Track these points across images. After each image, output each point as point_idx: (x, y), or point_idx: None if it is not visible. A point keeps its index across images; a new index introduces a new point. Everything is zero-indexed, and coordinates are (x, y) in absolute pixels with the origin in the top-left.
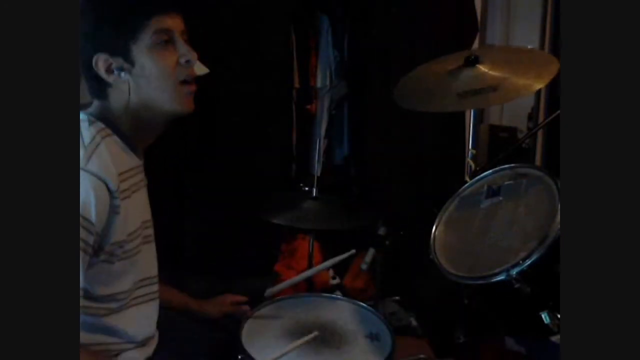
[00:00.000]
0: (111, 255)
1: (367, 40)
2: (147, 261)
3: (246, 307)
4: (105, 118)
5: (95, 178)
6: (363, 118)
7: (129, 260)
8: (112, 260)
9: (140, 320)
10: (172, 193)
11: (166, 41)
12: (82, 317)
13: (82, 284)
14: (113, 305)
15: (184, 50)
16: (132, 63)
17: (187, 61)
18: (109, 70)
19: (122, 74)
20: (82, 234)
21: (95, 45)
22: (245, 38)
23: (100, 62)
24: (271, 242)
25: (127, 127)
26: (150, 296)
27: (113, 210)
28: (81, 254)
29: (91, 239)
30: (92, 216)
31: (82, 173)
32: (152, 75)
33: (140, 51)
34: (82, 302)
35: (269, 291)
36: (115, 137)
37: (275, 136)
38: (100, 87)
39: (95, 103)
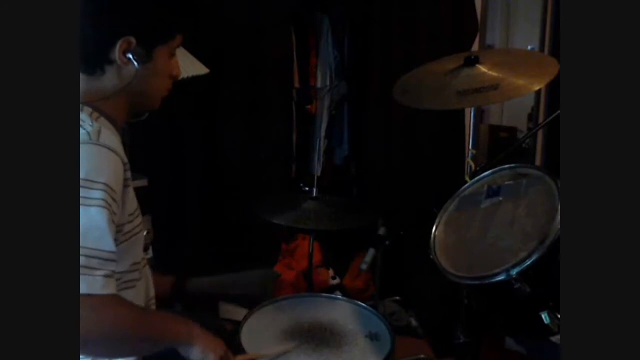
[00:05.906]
0: (118, 232)
1: (367, 40)
2: (140, 244)
3: None
4: (90, 99)
5: (108, 150)
6: (363, 118)
7: (129, 240)
8: (118, 238)
9: None
10: (171, 192)
11: (174, 54)
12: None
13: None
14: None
15: (177, 66)
16: (151, 58)
17: (175, 76)
18: (125, 52)
19: (136, 62)
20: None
21: (129, 28)
22: (245, 38)
23: (125, 43)
24: (271, 242)
25: (110, 108)
26: (134, 283)
27: (125, 184)
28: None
29: (115, 207)
30: (115, 188)
31: (95, 147)
32: (160, 75)
33: (162, 53)
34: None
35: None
36: (103, 119)
37: (275, 136)
38: (99, 63)
39: (82, 82)
